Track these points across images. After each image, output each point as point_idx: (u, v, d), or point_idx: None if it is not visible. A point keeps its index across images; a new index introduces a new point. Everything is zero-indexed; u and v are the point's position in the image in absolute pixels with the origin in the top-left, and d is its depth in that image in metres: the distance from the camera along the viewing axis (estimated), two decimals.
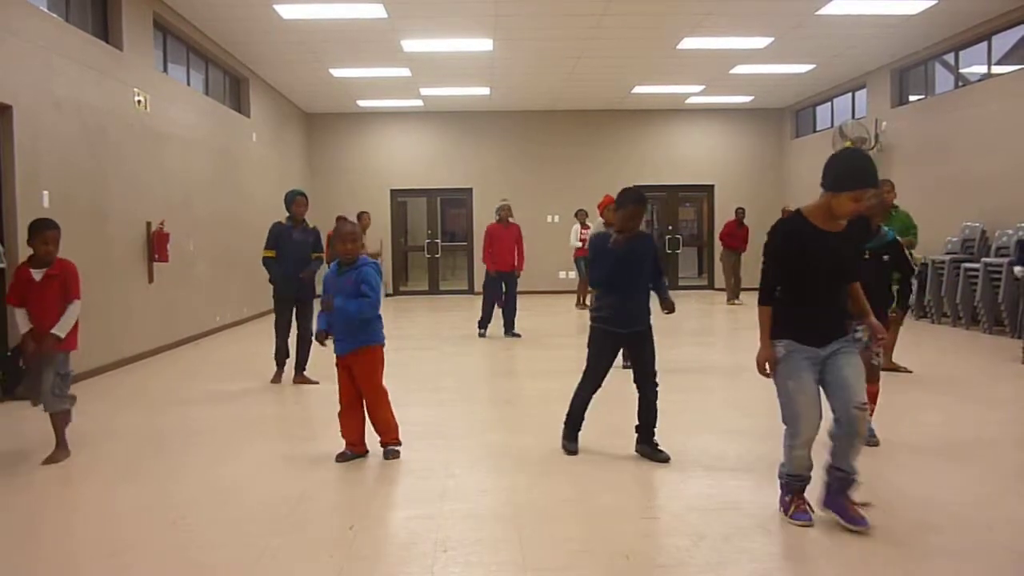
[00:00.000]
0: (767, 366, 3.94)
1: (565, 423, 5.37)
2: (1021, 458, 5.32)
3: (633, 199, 5.06)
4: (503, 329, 11.25)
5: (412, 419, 6.25)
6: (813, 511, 4.01)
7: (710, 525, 3.99)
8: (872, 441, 5.16)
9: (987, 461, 5.13)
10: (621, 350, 5.31)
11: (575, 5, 10.38)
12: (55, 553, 3.84)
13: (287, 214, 7.95)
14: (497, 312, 11.34)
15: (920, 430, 5.85)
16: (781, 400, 3.97)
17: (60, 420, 5.36)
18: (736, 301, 15.46)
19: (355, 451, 5.23)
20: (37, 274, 5.31)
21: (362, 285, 5.07)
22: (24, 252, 7.00)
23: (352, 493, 4.78)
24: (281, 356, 7.97)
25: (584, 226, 14.45)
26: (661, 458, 5.06)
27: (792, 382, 3.89)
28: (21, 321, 5.30)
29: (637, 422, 5.19)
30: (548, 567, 3.57)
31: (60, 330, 5.21)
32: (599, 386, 5.26)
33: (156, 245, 9.80)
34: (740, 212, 16.00)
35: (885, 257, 5.24)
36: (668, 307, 5.28)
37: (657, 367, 5.14)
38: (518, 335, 11.12)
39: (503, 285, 11.27)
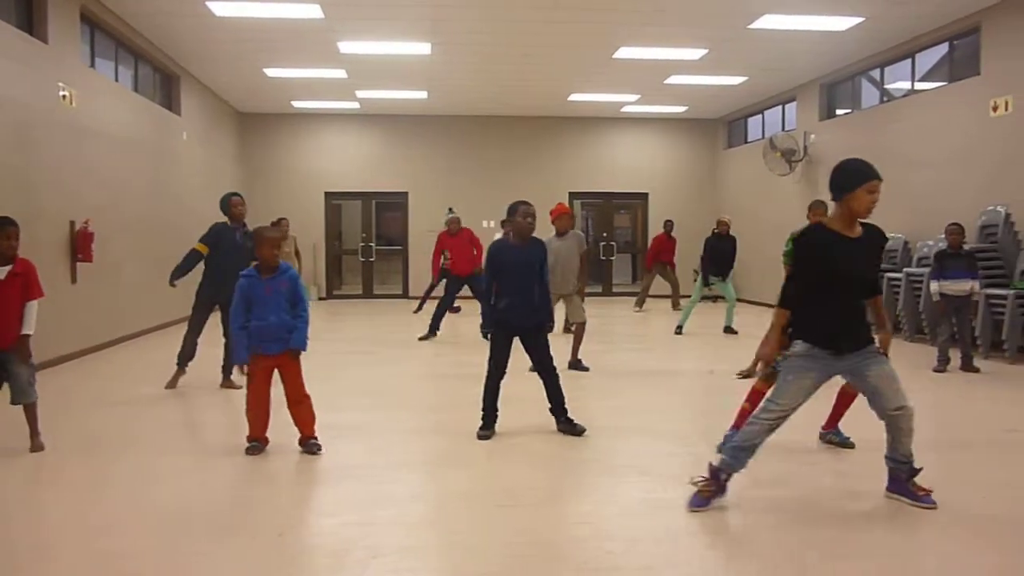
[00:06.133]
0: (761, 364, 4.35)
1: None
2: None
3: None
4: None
5: (345, 424, 6.19)
6: (709, 503, 4.22)
7: (643, 528, 4.03)
8: (848, 443, 5.49)
9: None
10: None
11: (513, 12, 10.41)
12: None
13: (224, 218, 7.75)
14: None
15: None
16: (779, 382, 4.28)
17: (34, 410, 5.50)
18: (639, 309, 15.81)
19: (263, 443, 5.41)
20: (1, 272, 5.28)
21: (298, 306, 5.34)
22: None
23: (282, 499, 4.70)
24: (185, 359, 7.73)
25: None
26: (577, 431, 5.74)
27: (794, 374, 4.22)
28: None
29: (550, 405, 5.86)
30: (480, 573, 3.55)
31: (30, 328, 5.36)
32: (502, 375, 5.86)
33: (79, 245, 9.49)
34: (669, 225, 16.24)
35: None
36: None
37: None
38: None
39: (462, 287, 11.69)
